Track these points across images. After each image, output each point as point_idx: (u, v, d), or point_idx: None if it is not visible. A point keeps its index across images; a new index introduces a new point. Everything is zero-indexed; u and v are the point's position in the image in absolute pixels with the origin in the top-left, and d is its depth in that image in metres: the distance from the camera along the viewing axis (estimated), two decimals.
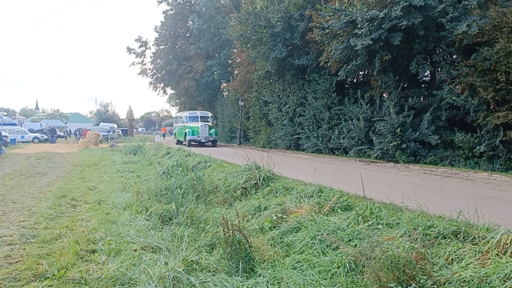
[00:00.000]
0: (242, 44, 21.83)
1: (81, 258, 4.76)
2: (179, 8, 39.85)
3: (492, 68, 10.59)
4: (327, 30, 14.44)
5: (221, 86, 37.31)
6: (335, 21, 13.69)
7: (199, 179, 7.93)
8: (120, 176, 12.44)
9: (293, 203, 5.84)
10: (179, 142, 27.17)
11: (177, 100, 47.60)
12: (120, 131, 54.41)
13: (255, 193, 7.21)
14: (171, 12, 40.05)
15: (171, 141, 34.57)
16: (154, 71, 42.01)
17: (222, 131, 32.89)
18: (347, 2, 13.67)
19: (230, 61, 35.17)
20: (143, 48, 42.38)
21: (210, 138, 24.27)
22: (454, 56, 12.57)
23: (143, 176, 11.67)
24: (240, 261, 4.15)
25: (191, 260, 4.37)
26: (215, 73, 35.66)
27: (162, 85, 43.02)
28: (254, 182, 7.62)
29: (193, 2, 40.17)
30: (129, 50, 42.22)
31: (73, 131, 46.00)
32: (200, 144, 24.10)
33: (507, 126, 10.33)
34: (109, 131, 44.71)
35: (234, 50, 31.91)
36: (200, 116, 26.16)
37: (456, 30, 10.96)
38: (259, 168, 8.11)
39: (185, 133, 24.82)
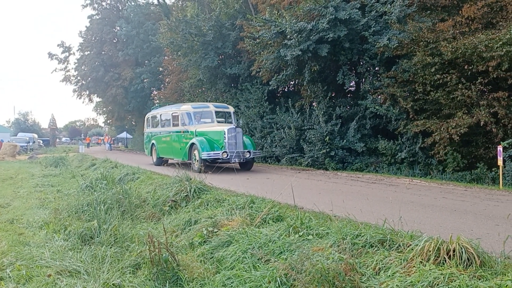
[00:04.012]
0: (173, 51, 21.44)
1: None
2: (105, 13, 38.24)
3: (410, 79, 11.34)
4: (258, 40, 14.60)
5: (152, 94, 36.27)
6: (266, 31, 13.89)
7: (125, 193, 7.48)
8: (39, 191, 11.49)
9: (225, 215, 5.67)
10: (161, 162, 15.70)
11: (104, 109, 45.45)
12: (41, 141, 50.78)
13: (185, 206, 6.94)
14: (97, 17, 38.31)
15: (96, 151, 32.84)
16: (78, 78, 39.77)
17: None
18: (277, 13, 13.93)
19: (161, 68, 34.32)
20: (67, 53, 39.94)
21: (247, 155, 12.32)
22: (377, 68, 13.30)
23: (64, 190, 10.86)
24: (167, 281, 3.90)
25: (113, 284, 4.03)
26: (145, 80, 34.55)
27: (87, 92, 40.80)
28: (185, 194, 7.34)
29: (120, 8, 38.81)
30: (51, 55, 39.54)
31: None
32: (211, 162, 12.09)
33: (425, 134, 11.08)
34: (29, 142, 41.49)
35: (164, 57, 31.21)
36: (216, 112, 14.05)
37: (378, 43, 11.61)
38: (190, 179, 7.85)
39: (190, 145, 12.69)
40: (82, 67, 38.80)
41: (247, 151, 12.32)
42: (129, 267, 4.51)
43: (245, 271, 3.89)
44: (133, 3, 36.92)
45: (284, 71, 14.38)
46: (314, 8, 12.44)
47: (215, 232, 5.15)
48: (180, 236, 5.52)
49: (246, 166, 12.93)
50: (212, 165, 11.78)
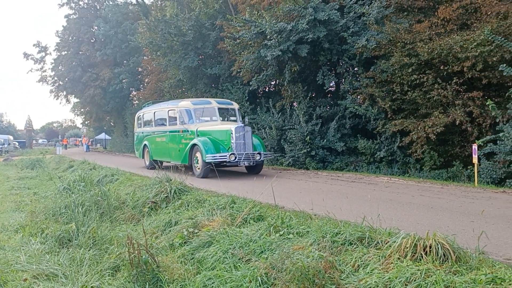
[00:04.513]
0: (152, 51, 21.24)
1: None
2: (83, 13, 37.61)
3: (388, 79, 11.51)
4: (238, 41, 14.59)
5: (131, 95, 35.79)
6: (246, 31, 13.89)
7: (104, 195, 7.37)
8: (14, 193, 11.27)
9: (205, 216, 5.65)
10: (154, 164, 12.86)
11: (82, 109, 44.66)
12: (17, 143, 49.65)
13: (165, 207, 6.87)
14: (74, 17, 37.63)
15: (74, 153, 32.16)
16: (55, 78, 38.92)
17: (132, 142, 31.42)
18: (257, 14, 13.96)
19: (140, 68, 33.91)
20: (43, 53, 39.06)
21: (257, 157, 10.95)
22: (356, 68, 13.46)
23: (41, 193, 10.63)
24: (147, 283, 3.86)
25: (92, 286, 3.97)
26: (123, 81, 34.06)
27: (64, 93, 40.00)
28: (165, 195, 7.27)
29: (98, 7, 38.19)
30: (26, 55, 38.63)
31: None
32: (216, 165, 10.03)
33: (403, 133, 11.26)
34: (3, 144, 40.42)
35: (143, 57, 30.84)
36: (219, 109, 12.36)
37: (356, 44, 11.76)
38: (170, 180, 7.79)
39: (191, 146, 11.21)
40: (59, 67, 38.05)
41: (257, 153, 10.92)
42: (108, 269, 4.45)
43: (226, 271, 3.89)
44: (111, 3, 36.38)
45: (265, 71, 14.42)
46: (294, 9, 12.51)
47: (196, 233, 5.13)
48: (160, 238, 5.47)
49: (254, 169, 11.46)
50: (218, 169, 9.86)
